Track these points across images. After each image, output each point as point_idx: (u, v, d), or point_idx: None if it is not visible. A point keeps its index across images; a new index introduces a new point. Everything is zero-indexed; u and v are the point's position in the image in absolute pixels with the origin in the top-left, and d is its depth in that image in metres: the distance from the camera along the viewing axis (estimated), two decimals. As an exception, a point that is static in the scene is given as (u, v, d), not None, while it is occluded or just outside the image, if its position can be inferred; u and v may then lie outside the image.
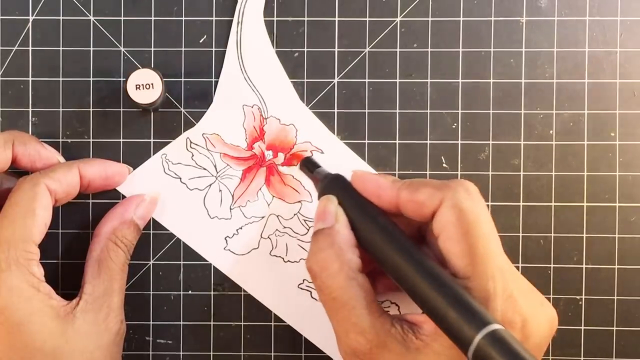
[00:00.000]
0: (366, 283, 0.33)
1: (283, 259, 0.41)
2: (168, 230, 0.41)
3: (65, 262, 0.41)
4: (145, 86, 0.38)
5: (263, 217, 0.41)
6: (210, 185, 0.41)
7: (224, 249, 0.41)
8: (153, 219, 0.41)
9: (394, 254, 0.32)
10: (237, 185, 0.41)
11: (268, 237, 0.41)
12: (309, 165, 0.39)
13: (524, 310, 0.32)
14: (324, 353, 0.41)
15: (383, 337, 0.32)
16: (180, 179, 0.41)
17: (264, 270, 0.41)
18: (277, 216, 0.41)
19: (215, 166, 0.41)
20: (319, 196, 0.37)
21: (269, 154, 0.41)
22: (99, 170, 0.39)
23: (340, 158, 0.41)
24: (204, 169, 0.41)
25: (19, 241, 0.35)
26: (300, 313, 0.41)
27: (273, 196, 0.41)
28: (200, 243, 0.41)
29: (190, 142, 0.41)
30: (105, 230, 0.38)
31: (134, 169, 0.41)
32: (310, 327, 0.41)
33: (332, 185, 0.36)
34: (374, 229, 0.34)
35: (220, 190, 0.41)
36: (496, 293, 0.31)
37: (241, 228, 0.41)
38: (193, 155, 0.41)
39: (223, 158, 0.41)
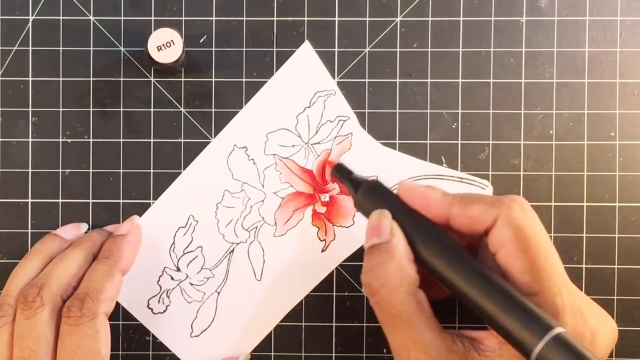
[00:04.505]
0: (425, 299, 0.33)
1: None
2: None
3: (65, 262, 0.41)
4: (165, 45, 0.38)
5: None
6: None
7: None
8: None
9: (452, 265, 0.32)
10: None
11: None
12: (342, 172, 0.38)
13: (592, 324, 0.32)
14: (325, 353, 0.41)
15: (445, 355, 0.31)
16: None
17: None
18: None
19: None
20: (356, 203, 0.36)
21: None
22: (133, 255, 0.39)
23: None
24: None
25: None
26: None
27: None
28: None
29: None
30: None
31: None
32: None
33: (373, 192, 0.35)
34: (428, 240, 0.33)
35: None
36: (565, 307, 0.31)
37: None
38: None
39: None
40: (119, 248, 0.38)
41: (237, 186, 0.41)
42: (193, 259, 0.40)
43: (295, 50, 0.41)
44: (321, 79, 0.41)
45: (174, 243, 0.40)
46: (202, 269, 0.40)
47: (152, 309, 0.40)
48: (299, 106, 0.41)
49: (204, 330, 0.40)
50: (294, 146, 0.41)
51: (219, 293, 0.40)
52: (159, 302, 0.40)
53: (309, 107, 0.41)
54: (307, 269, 0.41)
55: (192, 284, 0.40)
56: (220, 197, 0.41)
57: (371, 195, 0.36)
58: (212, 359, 0.40)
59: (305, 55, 0.41)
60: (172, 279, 0.40)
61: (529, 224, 0.32)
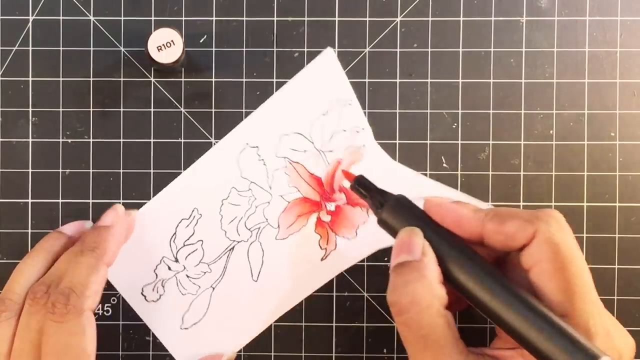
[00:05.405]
0: (452, 320, 0.32)
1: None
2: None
3: (65, 262, 0.41)
4: (165, 45, 0.38)
5: None
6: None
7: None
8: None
9: (489, 288, 0.31)
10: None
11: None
12: (364, 185, 0.36)
13: (619, 345, 0.32)
14: (325, 353, 0.41)
15: None
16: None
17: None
18: None
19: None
20: (380, 220, 0.34)
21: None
22: (118, 244, 0.38)
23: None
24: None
25: None
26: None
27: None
28: None
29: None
30: None
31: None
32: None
33: (399, 209, 0.34)
34: (462, 260, 0.32)
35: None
36: (597, 332, 0.31)
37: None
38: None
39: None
40: (104, 240, 0.37)
41: (245, 185, 0.41)
42: (192, 252, 0.40)
43: (295, 50, 0.41)
44: (340, 87, 0.41)
45: (175, 234, 0.40)
46: (200, 262, 0.40)
47: (145, 296, 0.40)
48: (315, 112, 0.41)
49: (195, 324, 0.40)
50: (305, 151, 0.41)
51: (213, 288, 0.40)
52: (153, 290, 0.40)
53: (325, 114, 0.41)
54: (304, 275, 0.40)
55: (188, 277, 0.40)
56: (226, 194, 0.41)
57: (398, 212, 0.34)
58: (198, 353, 0.40)
59: (327, 61, 0.40)
60: (169, 269, 0.40)
61: (567, 242, 0.32)
